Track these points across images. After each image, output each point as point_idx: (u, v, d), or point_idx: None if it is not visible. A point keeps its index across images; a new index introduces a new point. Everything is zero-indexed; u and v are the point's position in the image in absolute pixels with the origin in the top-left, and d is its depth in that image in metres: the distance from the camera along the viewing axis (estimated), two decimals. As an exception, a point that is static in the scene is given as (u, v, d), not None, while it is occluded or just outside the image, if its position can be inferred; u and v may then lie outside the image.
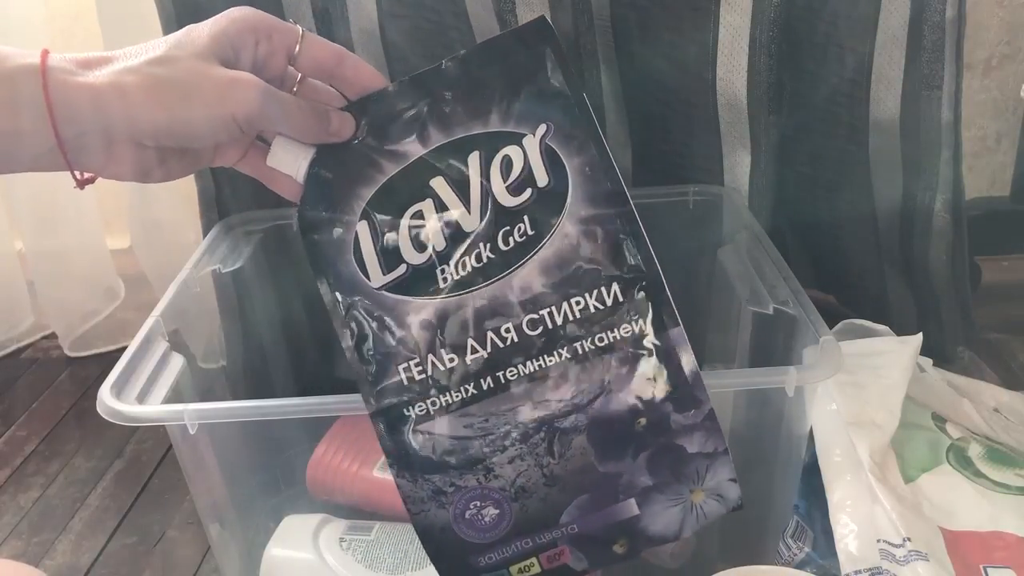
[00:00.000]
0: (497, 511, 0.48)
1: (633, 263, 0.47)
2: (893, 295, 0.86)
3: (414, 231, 0.49)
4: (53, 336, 1.05)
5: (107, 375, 0.53)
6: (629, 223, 0.47)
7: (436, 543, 0.49)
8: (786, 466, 0.59)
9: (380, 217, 0.50)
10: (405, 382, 0.48)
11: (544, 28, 0.49)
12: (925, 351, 0.68)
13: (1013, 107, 1.03)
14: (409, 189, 0.50)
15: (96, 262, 1.04)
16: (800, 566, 0.57)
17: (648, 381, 0.47)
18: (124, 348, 0.56)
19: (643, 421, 0.47)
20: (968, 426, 0.66)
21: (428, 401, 0.48)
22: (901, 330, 0.70)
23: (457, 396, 0.47)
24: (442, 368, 0.48)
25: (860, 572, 0.52)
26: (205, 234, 0.77)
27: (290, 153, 0.50)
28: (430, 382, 0.48)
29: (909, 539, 0.52)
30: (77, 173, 0.47)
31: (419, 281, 0.48)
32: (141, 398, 0.53)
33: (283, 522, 0.63)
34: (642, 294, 0.47)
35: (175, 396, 0.56)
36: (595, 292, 0.47)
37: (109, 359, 0.84)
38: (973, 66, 0.99)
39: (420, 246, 0.49)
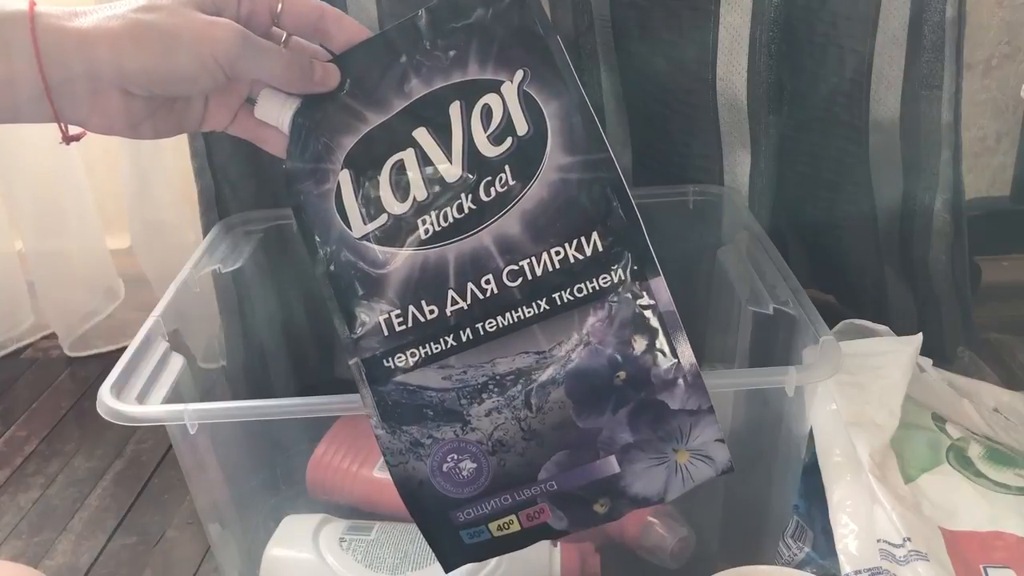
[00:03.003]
0: (475, 465, 0.48)
1: (613, 212, 0.46)
2: (893, 295, 0.86)
3: (396, 181, 0.49)
4: (53, 336, 1.05)
5: (107, 375, 0.53)
6: (608, 170, 0.47)
7: (415, 497, 0.49)
8: (786, 466, 0.59)
9: (362, 166, 0.50)
10: (386, 332, 0.48)
11: None
12: (925, 351, 0.68)
13: (1013, 107, 1.03)
14: (391, 139, 0.50)
15: (96, 262, 1.03)
16: (800, 566, 0.57)
17: (627, 332, 0.46)
18: (124, 348, 0.56)
19: (623, 375, 0.46)
20: (968, 426, 0.66)
21: (408, 352, 0.47)
22: (901, 330, 0.70)
23: (437, 348, 0.47)
24: (422, 319, 0.47)
25: (860, 572, 0.52)
26: (205, 234, 0.77)
27: (275, 104, 0.50)
28: (410, 333, 0.47)
29: (909, 539, 0.52)
30: (64, 127, 0.47)
31: (401, 231, 0.48)
32: (141, 398, 0.53)
33: (283, 522, 0.63)
34: (622, 243, 0.46)
35: (175, 396, 0.56)
36: (575, 241, 0.46)
37: (109, 359, 0.84)
38: (973, 66, 0.99)
39: (402, 196, 0.49)
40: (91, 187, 0.99)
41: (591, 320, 0.46)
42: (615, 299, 0.46)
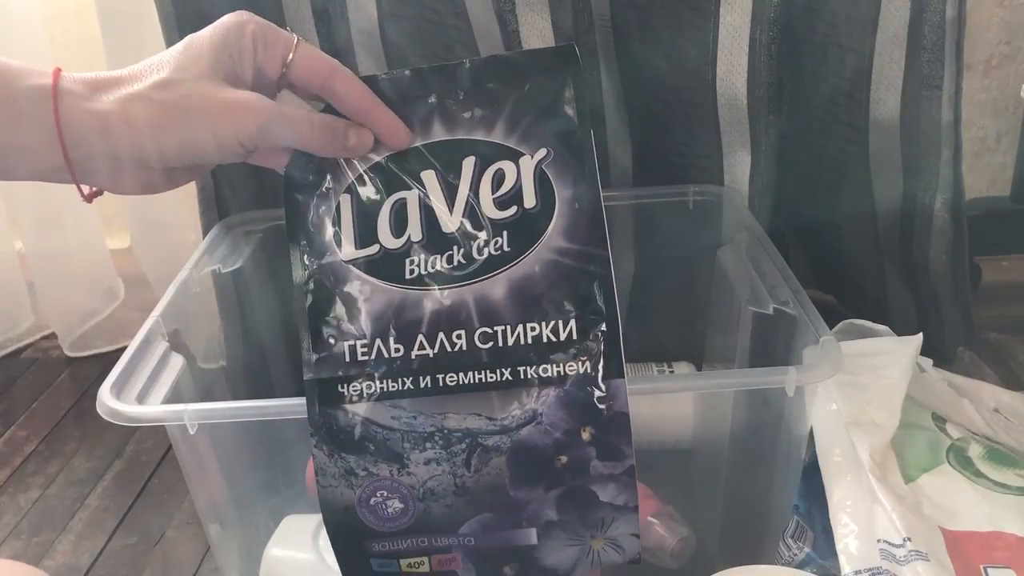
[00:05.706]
0: (402, 505, 0.49)
1: (596, 306, 0.47)
2: (893, 295, 0.86)
3: (395, 215, 0.50)
4: (53, 336, 1.05)
5: (107, 375, 0.53)
6: (602, 266, 0.48)
7: (336, 520, 0.50)
8: (786, 466, 0.59)
9: (366, 193, 0.50)
10: (347, 359, 0.48)
11: (570, 55, 0.50)
12: (925, 351, 0.68)
13: (1013, 107, 1.03)
14: (400, 174, 0.50)
15: (96, 262, 1.03)
16: (800, 566, 0.57)
17: (579, 422, 0.47)
18: (124, 348, 0.56)
19: (564, 459, 0.47)
20: (968, 426, 0.66)
21: (364, 383, 0.48)
22: (901, 330, 0.70)
23: (393, 386, 0.48)
24: (386, 356, 0.48)
25: (860, 572, 0.52)
26: (205, 234, 0.77)
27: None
28: (371, 366, 0.48)
29: (909, 539, 0.52)
30: (84, 188, 0.48)
31: (387, 266, 0.49)
32: (141, 398, 0.53)
33: (283, 522, 0.63)
34: (597, 338, 0.47)
35: (175, 396, 0.56)
36: (552, 323, 0.47)
37: (109, 359, 0.84)
38: (973, 66, 0.99)
39: (397, 232, 0.49)
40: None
41: (548, 401, 0.47)
42: (576, 388, 0.47)
